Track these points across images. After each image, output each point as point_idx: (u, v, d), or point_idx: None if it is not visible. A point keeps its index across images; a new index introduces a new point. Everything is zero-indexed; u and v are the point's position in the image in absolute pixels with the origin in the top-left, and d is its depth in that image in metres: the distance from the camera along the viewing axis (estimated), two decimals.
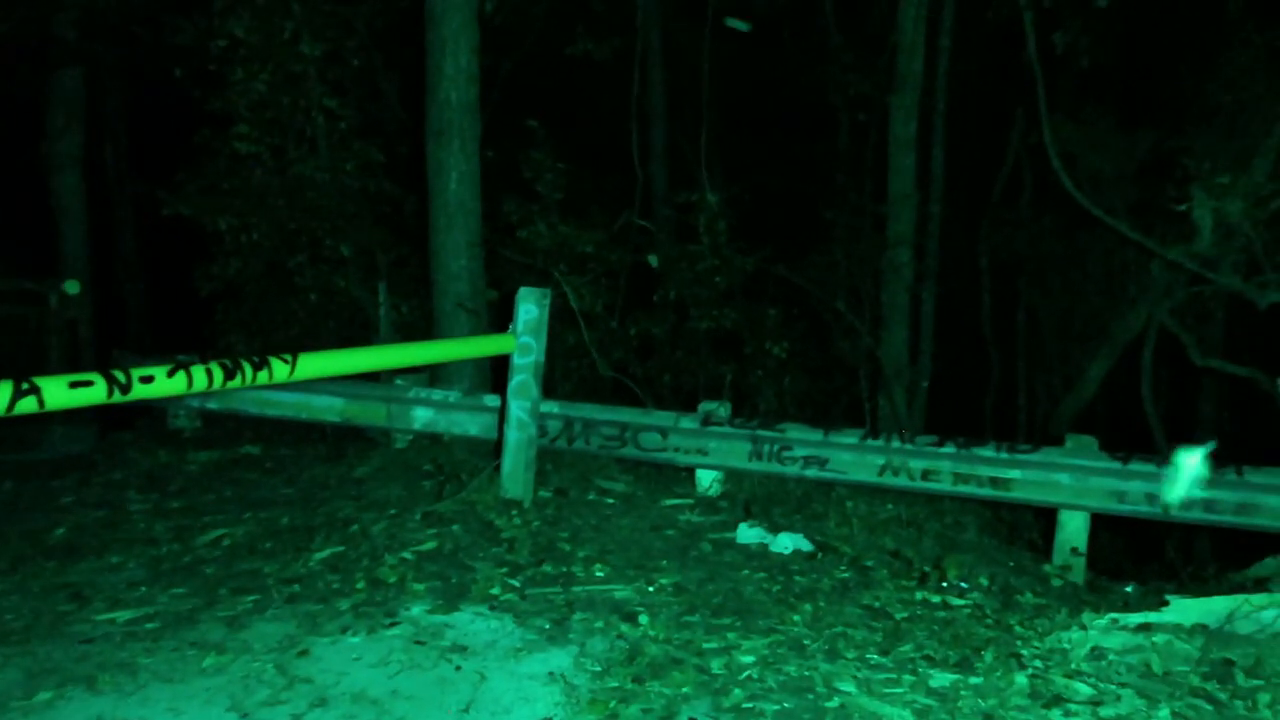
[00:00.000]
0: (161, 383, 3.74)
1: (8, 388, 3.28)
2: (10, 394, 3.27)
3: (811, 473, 5.90)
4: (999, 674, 3.43)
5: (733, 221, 8.75)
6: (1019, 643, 3.77)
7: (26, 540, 4.73)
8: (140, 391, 3.68)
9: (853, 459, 5.82)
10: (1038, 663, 3.54)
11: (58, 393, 3.41)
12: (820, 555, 4.94)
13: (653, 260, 8.47)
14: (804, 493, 5.97)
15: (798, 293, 9.22)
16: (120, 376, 3.58)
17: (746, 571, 4.62)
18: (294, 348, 5.21)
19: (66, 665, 3.36)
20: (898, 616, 4.09)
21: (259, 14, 8.19)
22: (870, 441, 5.83)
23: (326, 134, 8.39)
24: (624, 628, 3.85)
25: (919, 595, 4.38)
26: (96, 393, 3.51)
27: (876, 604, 4.23)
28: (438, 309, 7.31)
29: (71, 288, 7.71)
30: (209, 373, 3.89)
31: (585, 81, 12.73)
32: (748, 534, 5.14)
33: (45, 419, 7.13)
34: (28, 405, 3.32)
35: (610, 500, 5.68)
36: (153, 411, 7.34)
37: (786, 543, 5.02)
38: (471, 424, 6.42)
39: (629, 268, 8.83)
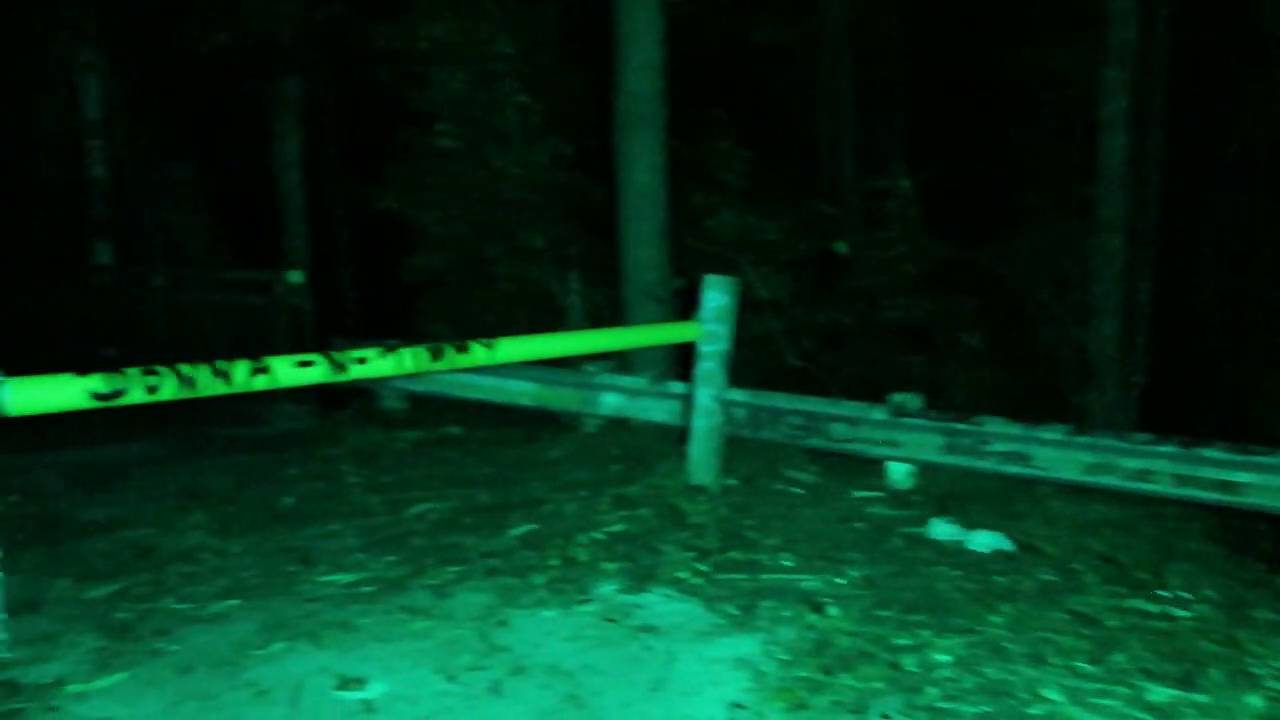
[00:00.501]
0: (374, 364, 4.00)
1: (245, 366, 3.60)
2: (248, 371, 3.60)
3: (1012, 469, 5.61)
4: (1228, 693, 3.14)
5: (924, 208, 8.44)
6: (1251, 661, 3.44)
7: (259, 507, 5.19)
8: (356, 372, 3.96)
9: (1058, 455, 5.48)
10: (1274, 684, 3.23)
11: (286, 371, 3.73)
12: (1021, 555, 4.69)
13: (840, 248, 8.30)
14: (1003, 489, 5.68)
15: (995, 281, 8.77)
16: (338, 358, 3.86)
17: (941, 568, 4.45)
18: (490, 335, 5.46)
19: (295, 620, 3.66)
20: (1110, 625, 3.83)
21: (458, 16, 8.61)
22: (1078, 437, 5.48)
23: (520, 129, 8.72)
24: (812, 618, 3.80)
25: (1134, 603, 4.08)
26: (318, 372, 3.80)
27: (1085, 610, 3.97)
28: (626, 297, 7.45)
29: (294, 277, 8.38)
30: (416, 355, 4.13)
31: (771, 68, 12.60)
32: (942, 529, 4.95)
33: (272, 397, 7.82)
34: (261, 382, 3.64)
35: (797, 490, 5.62)
36: (364, 393, 7.86)
37: (984, 540, 4.79)
38: (658, 410, 6.51)
39: (816, 256, 8.68)
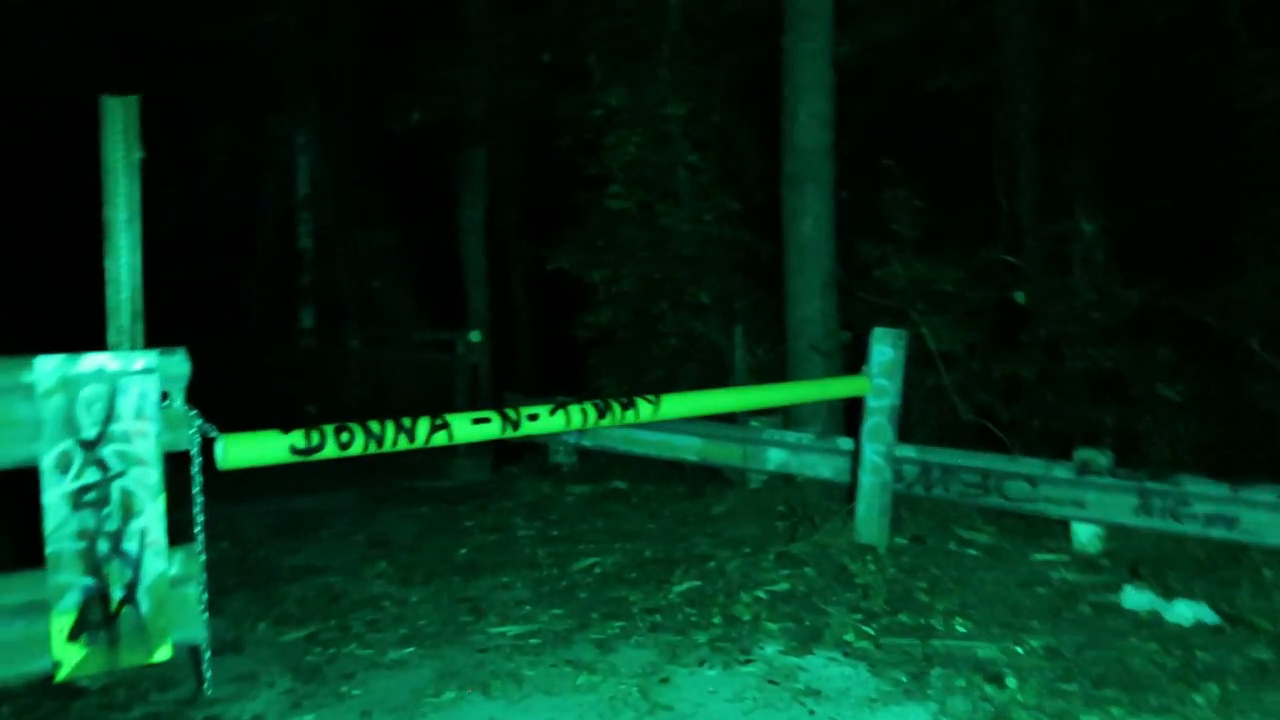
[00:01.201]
0: (545, 420, 4.16)
1: (426, 423, 3.83)
2: (428, 428, 3.82)
3: (1217, 533, 5.14)
4: None
5: (1115, 251, 7.95)
6: None
7: (437, 557, 5.45)
8: (527, 428, 4.13)
9: (1271, 519, 4.99)
10: None
11: (463, 428, 3.93)
12: (1229, 629, 4.27)
13: (1020, 297, 7.92)
14: (1207, 556, 5.21)
15: (1197, 328, 8.12)
16: (512, 414, 4.04)
17: (1134, 640, 4.12)
18: (657, 389, 5.56)
19: (467, 670, 3.81)
20: None
21: (631, 84, 8.94)
22: None
23: (688, 187, 8.91)
24: (988, 689, 3.60)
25: None
26: (493, 429, 3.99)
27: None
28: (791, 351, 7.40)
29: (474, 337, 8.84)
30: (584, 412, 4.26)
31: (943, 114, 12.31)
32: (1135, 598, 4.58)
33: (452, 451, 8.22)
34: (440, 438, 3.86)
35: (972, 551, 5.36)
36: (537, 447, 8.14)
37: (1185, 611, 4.40)
38: (824, 466, 6.39)
39: (993, 306, 8.33)
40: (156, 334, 3.46)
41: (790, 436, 6.65)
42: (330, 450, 3.57)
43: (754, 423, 6.87)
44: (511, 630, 4.26)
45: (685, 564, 5.12)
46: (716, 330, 8.46)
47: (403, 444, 3.75)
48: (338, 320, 13.17)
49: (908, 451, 5.94)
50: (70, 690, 3.50)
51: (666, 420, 6.12)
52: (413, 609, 4.57)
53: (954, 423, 7.35)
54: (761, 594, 4.59)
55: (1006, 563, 5.19)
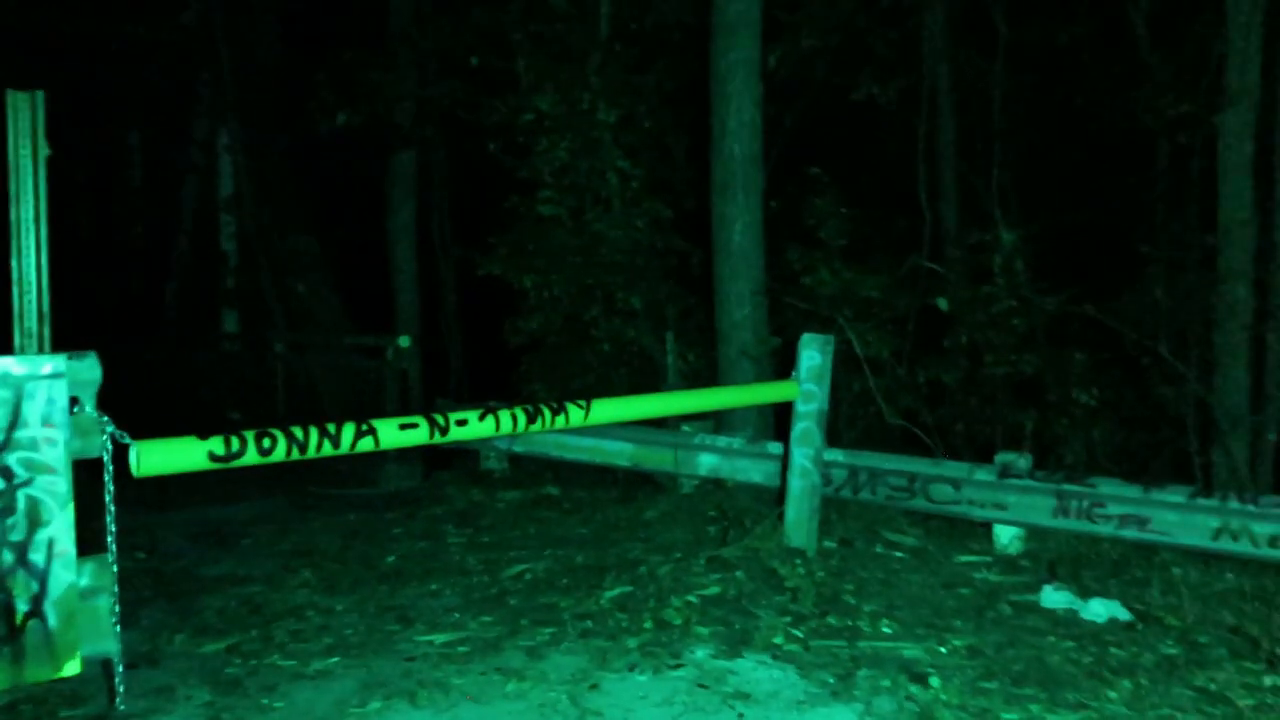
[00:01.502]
0: (474, 426, 4.11)
1: (352, 429, 3.75)
2: (353, 434, 3.74)
3: (1129, 533, 5.33)
4: None
5: (1032, 260, 8.20)
6: None
7: (364, 565, 5.35)
8: (456, 434, 4.07)
9: (1179, 519, 5.19)
10: None
11: (390, 433, 3.86)
12: (1141, 626, 4.42)
13: (942, 303, 8.12)
14: (1120, 555, 5.39)
15: (1109, 335, 8.42)
16: (440, 420, 3.98)
17: (1052, 639, 4.24)
18: (589, 395, 5.55)
19: (393, 680, 3.74)
20: (1240, 704, 3.57)
21: (561, 89, 8.92)
22: (1202, 500, 5.18)
23: (620, 193, 8.92)
24: (913, 689, 3.67)
25: (1268, 681, 3.79)
26: (420, 434, 3.92)
27: (1212, 687, 3.72)
28: (722, 357, 7.46)
29: (404, 342, 8.69)
30: (514, 417, 4.23)
31: (869, 124, 12.56)
32: (1053, 597, 4.72)
33: (380, 457, 8.08)
34: (366, 444, 3.78)
35: (898, 554, 5.46)
36: (467, 453, 8.05)
37: (1099, 610, 4.55)
38: (755, 471, 6.45)
39: (917, 312, 8.53)
40: (72, 340, 3.33)
41: (721, 441, 6.70)
42: (251, 457, 3.48)
43: (685, 428, 6.91)
44: (440, 638, 4.20)
45: (617, 569, 5.11)
46: (648, 336, 8.49)
47: (327, 450, 3.67)
48: (262, 325, 12.84)
49: (836, 455, 6.03)
50: None
51: (598, 426, 6.12)
52: (338, 618, 4.48)
53: (880, 427, 7.50)
54: (692, 598, 4.60)
55: (931, 564, 5.30)
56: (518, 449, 7.62)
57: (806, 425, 5.36)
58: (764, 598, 4.66)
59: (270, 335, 11.94)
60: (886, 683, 3.73)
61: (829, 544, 5.46)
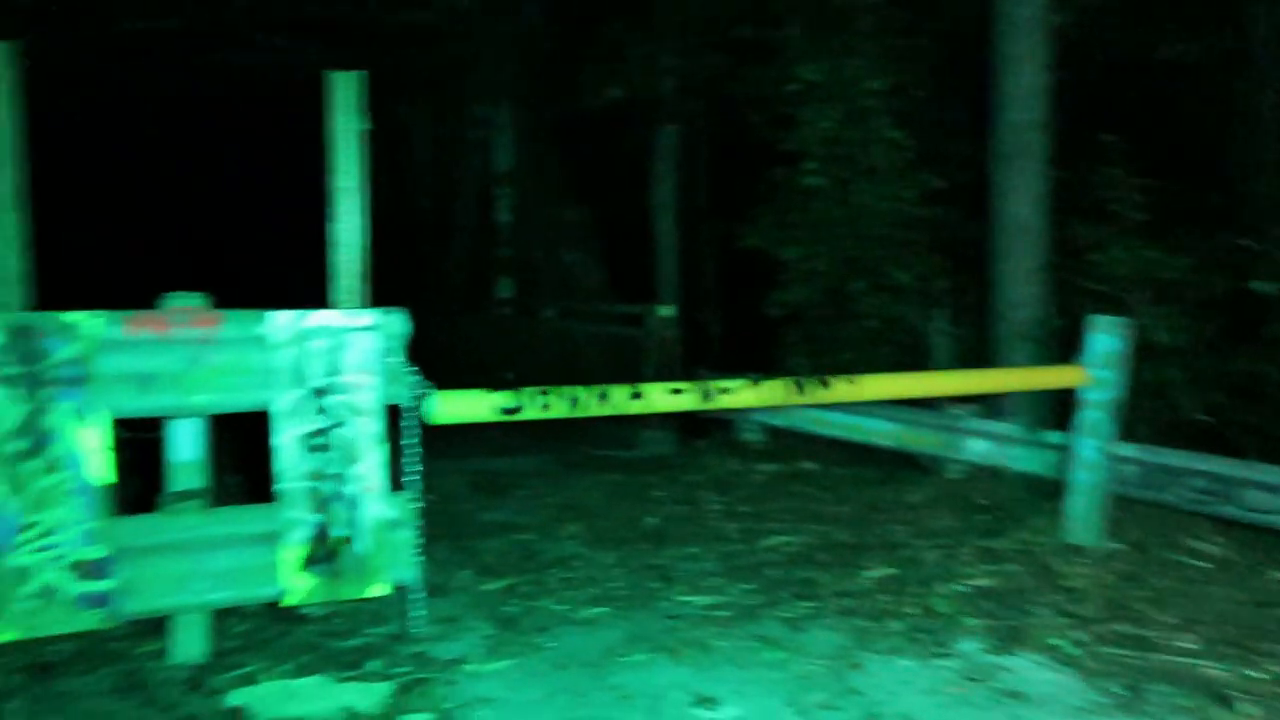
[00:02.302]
0: (740, 395, 4.12)
1: (624, 391, 3.88)
2: (626, 397, 3.86)
3: None
4: None
5: None
6: None
7: (627, 524, 5.53)
8: (720, 401, 4.10)
9: None
10: None
11: (660, 398, 3.95)
12: None
13: (1261, 287, 7.15)
14: None
15: None
16: (708, 388, 4.03)
17: None
18: (850, 371, 5.39)
19: (656, 635, 3.84)
20: None
21: (829, 57, 8.68)
22: None
23: (888, 164, 8.58)
24: (1216, 712, 3.29)
25: None
26: (688, 400, 3.99)
27: None
28: (997, 337, 7.01)
29: (665, 311, 8.87)
30: (779, 388, 4.19)
31: (1173, 87, 11.28)
32: None
33: (640, 423, 8.33)
34: (637, 406, 3.90)
35: (1201, 563, 4.90)
36: (723, 423, 8.11)
37: None
38: (1032, 460, 6.02)
39: (1228, 296, 7.57)
40: (374, 298, 3.65)
41: (995, 426, 6.30)
42: (533, 412, 3.69)
43: (954, 410, 6.56)
44: (700, 600, 4.27)
45: (878, 550, 4.96)
46: (915, 313, 8.13)
47: (600, 410, 3.82)
48: (533, 292, 13.61)
49: (1128, 450, 5.49)
50: (297, 616, 3.80)
51: (860, 403, 5.97)
52: (603, 571, 4.66)
53: (1179, 423, 6.74)
54: (960, 587, 4.38)
55: (1240, 579, 4.71)
56: (775, 422, 7.58)
57: (1096, 415, 4.93)
58: (1040, 595, 4.35)
59: (541, 302, 12.63)
60: (1185, 702, 3.37)
61: (1117, 545, 4.99)
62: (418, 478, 3.58)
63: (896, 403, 6.56)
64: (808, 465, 6.98)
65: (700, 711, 3.23)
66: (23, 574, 2.93)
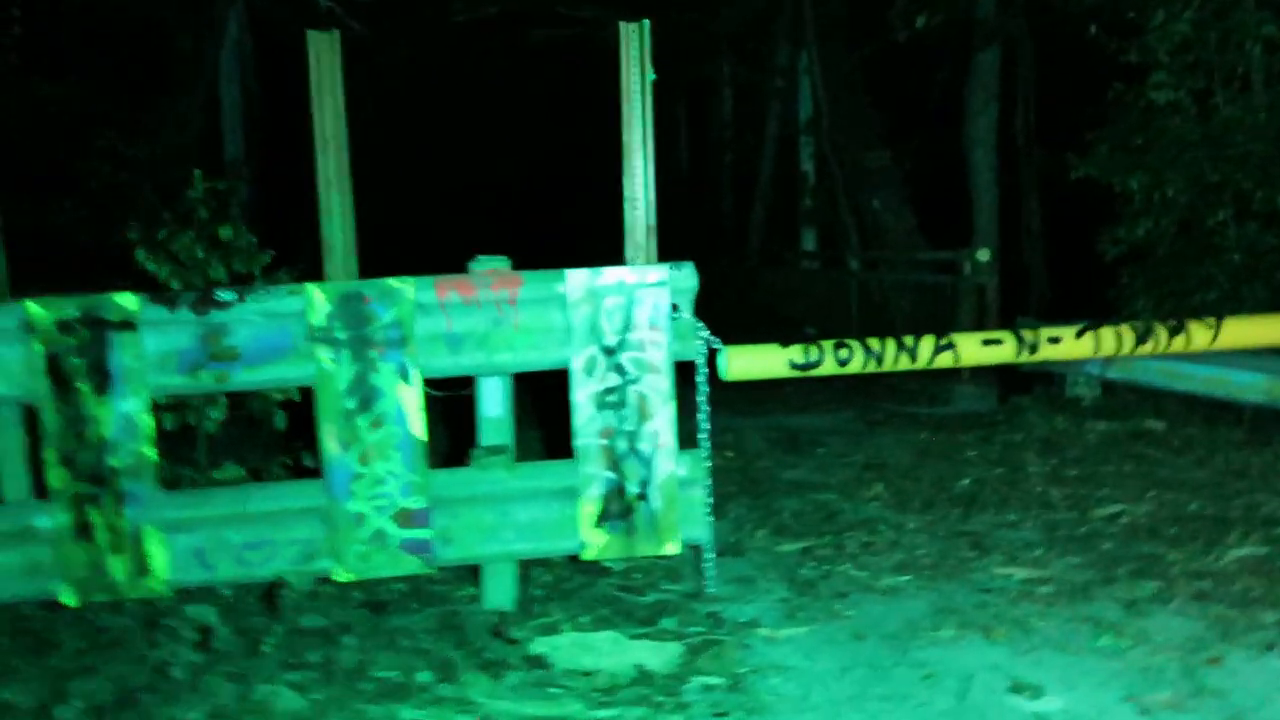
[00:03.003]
0: (1069, 344, 3.65)
1: (929, 343, 3.55)
2: (932, 348, 3.54)
3: None
4: None
5: None
6: None
7: (935, 486, 5.15)
8: (1046, 352, 3.65)
9: None
10: None
11: (971, 349, 3.59)
12: None
13: None
14: None
15: None
16: (1028, 336, 3.60)
17: None
18: (1210, 313, 4.59)
19: (966, 609, 3.52)
20: None
21: None
22: None
23: (1264, 67, 7.22)
24: None
25: None
26: (1005, 351, 3.58)
27: None
28: None
29: (981, 255, 8.20)
30: (1119, 336, 3.66)
31: None
32: None
33: (953, 377, 7.78)
34: (945, 359, 3.56)
35: None
36: (1051, 378, 7.34)
37: None
38: None
39: None
40: (674, 255, 3.62)
41: None
42: (829, 367, 3.48)
43: None
44: (1019, 573, 3.86)
45: (1244, 525, 4.22)
46: None
47: (904, 364, 3.53)
48: (838, 243, 13.20)
49: None
50: (598, 568, 3.91)
51: (1222, 352, 5.09)
52: (909, 536, 4.37)
53: None
54: None
55: None
56: (1113, 375, 6.72)
57: None
58: None
59: (845, 253, 12.21)
60: None
61: None
62: (708, 435, 3.52)
63: (1273, 351, 5.54)
64: (1153, 424, 6.12)
65: (1018, 699, 2.90)
66: (358, 520, 3.24)
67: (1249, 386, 5.72)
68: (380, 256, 4.29)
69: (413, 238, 13.24)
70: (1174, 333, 3.64)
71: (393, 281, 3.18)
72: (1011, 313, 9.13)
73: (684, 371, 3.55)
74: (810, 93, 13.63)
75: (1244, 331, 3.77)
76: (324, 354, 3.14)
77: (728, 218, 17.63)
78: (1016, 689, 2.94)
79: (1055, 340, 3.59)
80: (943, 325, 8.49)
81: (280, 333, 3.14)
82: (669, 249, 3.80)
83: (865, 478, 5.39)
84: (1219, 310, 6.60)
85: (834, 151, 13.13)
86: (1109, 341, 3.62)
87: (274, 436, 3.67)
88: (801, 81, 13.93)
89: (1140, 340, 3.63)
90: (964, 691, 2.95)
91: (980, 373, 7.61)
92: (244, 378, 3.17)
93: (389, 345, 3.17)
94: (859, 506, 4.87)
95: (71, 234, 7.75)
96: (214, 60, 11.15)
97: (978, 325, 8.27)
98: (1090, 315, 7.19)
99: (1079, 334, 3.60)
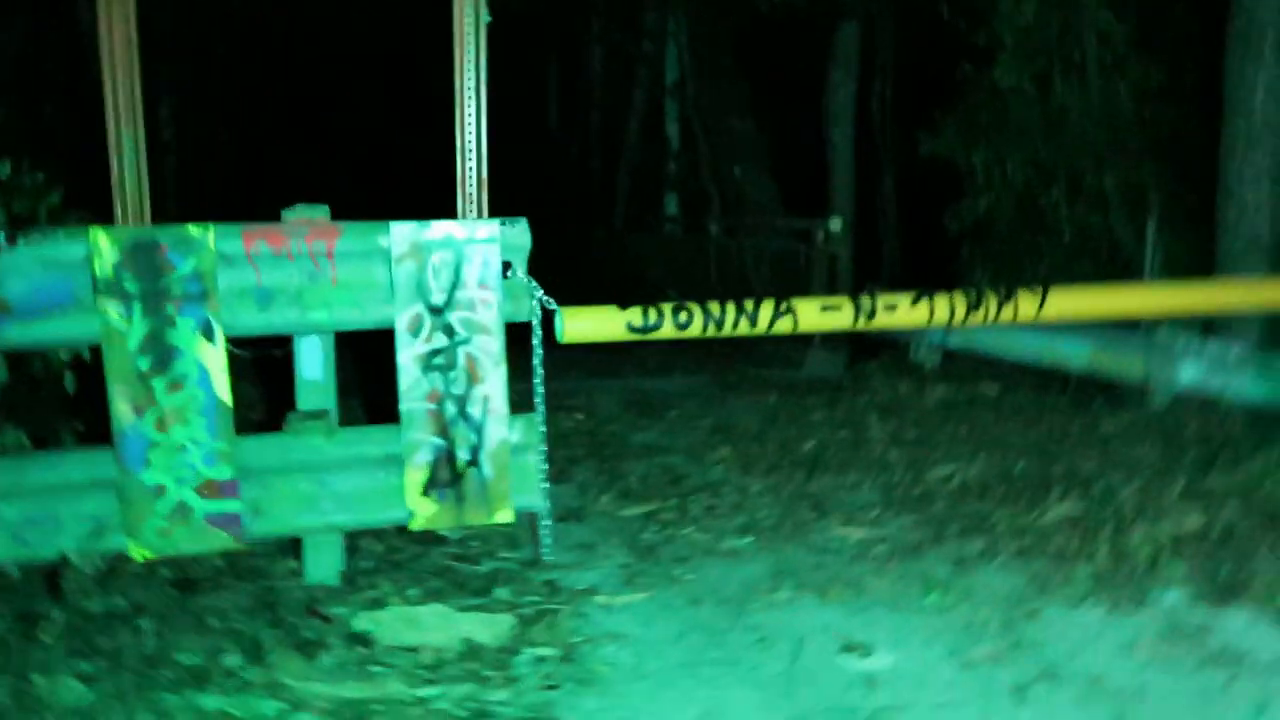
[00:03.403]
0: (904, 312, 3.69)
1: (769, 308, 3.52)
2: (771, 314, 3.50)
3: None
4: None
5: None
6: None
7: (781, 449, 5.19)
8: (883, 320, 3.68)
9: None
10: None
11: (810, 315, 3.57)
12: None
13: None
14: None
15: None
16: (865, 304, 3.61)
17: None
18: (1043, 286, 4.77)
19: (803, 570, 3.54)
20: None
21: None
22: None
23: (1098, 57, 7.55)
24: None
25: None
26: (843, 318, 3.59)
27: None
28: (1223, 249, 6.07)
29: (834, 225, 8.33)
30: (951, 305, 3.72)
31: None
32: None
33: (806, 341, 7.90)
34: (784, 325, 3.53)
35: None
36: (896, 345, 7.56)
37: None
38: (1257, 388, 5.20)
39: None
40: (543, 213, 3.41)
41: (1212, 349, 5.48)
42: (667, 330, 3.40)
43: (1162, 331, 5.75)
44: (855, 534, 3.92)
45: (1064, 484, 4.40)
46: (1121, 224, 7.20)
47: (744, 328, 3.48)
48: (700, 208, 13.24)
49: None
50: (433, 538, 3.74)
51: (1050, 322, 5.30)
52: (752, 499, 4.38)
53: None
54: (1162, 530, 3.80)
55: None
56: (952, 343, 6.95)
57: None
58: (1265, 543, 3.71)
59: (705, 219, 12.25)
60: None
61: None
62: (543, 399, 3.39)
63: (1094, 322, 5.83)
64: (987, 390, 6.37)
65: (848, 659, 2.92)
66: (157, 492, 2.96)
67: (1073, 355, 6.01)
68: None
69: (261, 187, 12.52)
70: (1003, 301, 3.72)
71: (191, 228, 2.88)
72: (863, 281, 9.36)
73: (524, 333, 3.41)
74: (676, 57, 13.54)
75: (1068, 303, 3.90)
76: (112, 308, 2.83)
77: (595, 178, 17.45)
78: (847, 649, 2.96)
79: (891, 308, 3.62)
80: (798, 292, 8.59)
81: (60, 283, 2.81)
82: (536, 207, 3.61)
83: (714, 441, 5.39)
84: (1050, 283, 6.92)
85: (699, 117, 13.12)
86: (942, 309, 3.68)
87: (65, 400, 3.32)
88: (668, 45, 13.83)
89: (972, 308, 3.70)
90: (796, 653, 2.94)
91: (831, 338, 7.76)
92: (15, 334, 2.82)
93: (188, 300, 2.88)
94: (706, 470, 4.87)
95: None
96: None
97: (829, 292, 8.42)
98: (938, 286, 7.44)
99: (914, 302, 3.64)
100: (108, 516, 2.96)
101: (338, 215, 3.19)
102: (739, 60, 13.39)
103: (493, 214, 3.25)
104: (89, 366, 3.21)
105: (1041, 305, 3.78)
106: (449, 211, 3.28)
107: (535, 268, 3.28)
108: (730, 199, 12.52)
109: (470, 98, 3.17)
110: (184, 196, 12.38)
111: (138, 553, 3.00)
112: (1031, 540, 3.79)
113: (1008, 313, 3.77)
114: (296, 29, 18.18)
